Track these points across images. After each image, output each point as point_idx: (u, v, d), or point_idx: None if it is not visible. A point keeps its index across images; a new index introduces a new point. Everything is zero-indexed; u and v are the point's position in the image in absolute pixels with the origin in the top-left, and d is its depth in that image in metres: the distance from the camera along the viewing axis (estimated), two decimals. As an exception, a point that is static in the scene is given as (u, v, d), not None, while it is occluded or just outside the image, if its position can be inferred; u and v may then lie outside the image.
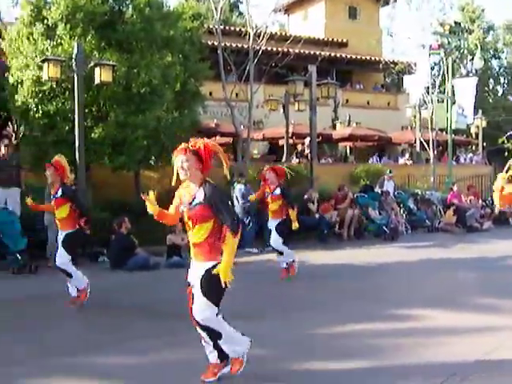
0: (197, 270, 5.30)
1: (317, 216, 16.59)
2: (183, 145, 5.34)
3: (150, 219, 14.96)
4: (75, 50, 13.92)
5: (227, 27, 30.42)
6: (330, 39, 34.59)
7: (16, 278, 11.65)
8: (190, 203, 5.30)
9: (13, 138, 16.43)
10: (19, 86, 14.88)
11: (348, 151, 32.65)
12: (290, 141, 24.47)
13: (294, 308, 8.72)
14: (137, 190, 16.64)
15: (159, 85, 14.82)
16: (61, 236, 8.78)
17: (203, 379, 5.41)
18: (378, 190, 19.29)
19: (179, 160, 5.30)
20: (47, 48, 14.72)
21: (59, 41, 14.75)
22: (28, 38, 15.19)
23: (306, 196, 16.86)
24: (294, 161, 23.84)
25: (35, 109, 14.61)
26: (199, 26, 18.16)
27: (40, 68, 14.39)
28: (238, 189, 15.72)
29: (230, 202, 5.48)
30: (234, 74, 22.81)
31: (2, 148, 13.24)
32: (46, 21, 15.00)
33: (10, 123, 17.17)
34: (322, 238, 16.39)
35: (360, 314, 8.13)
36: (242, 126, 21.99)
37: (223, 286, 5.15)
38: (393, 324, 7.68)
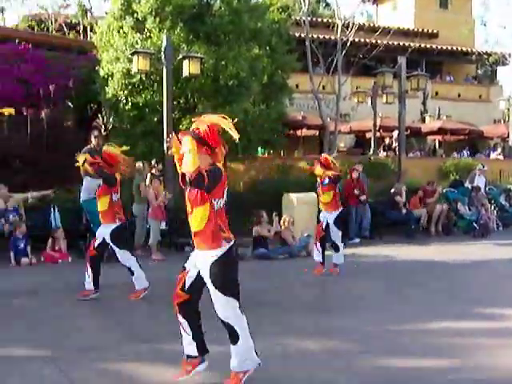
0: (199, 259, 5.06)
1: (404, 211, 16.23)
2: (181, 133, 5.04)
3: (236, 211, 15.08)
4: (164, 43, 14.07)
5: (314, 19, 30.22)
6: (420, 30, 33.80)
7: (103, 266, 11.87)
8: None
9: (102, 130, 16.78)
10: (109, 78, 15.19)
11: (437, 145, 31.89)
12: (378, 134, 24.10)
13: (377, 303, 8.58)
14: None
15: (246, 77, 14.82)
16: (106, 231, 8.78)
17: (175, 379, 5.22)
18: (468, 185, 18.72)
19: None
20: (137, 41, 14.99)
21: (148, 34, 14.99)
22: (118, 32, 15.49)
23: (392, 190, 16.54)
24: (382, 154, 23.49)
25: (125, 101, 14.89)
26: (287, 18, 18.14)
27: (130, 61, 14.64)
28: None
29: (214, 178, 4.87)
30: (321, 65, 22.68)
31: (93, 139, 13.51)
32: (135, 14, 15.26)
33: (99, 115, 17.55)
34: (409, 233, 16.01)
35: (446, 312, 7.89)
36: (328, 119, 21.82)
37: (233, 270, 5.02)
38: (481, 323, 7.38)
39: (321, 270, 10.81)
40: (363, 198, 15.48)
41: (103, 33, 16.01)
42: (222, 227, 4.99)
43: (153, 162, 13.47)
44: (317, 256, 10.90)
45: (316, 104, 21.06)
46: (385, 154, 23.89)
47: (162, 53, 14.05)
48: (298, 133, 27.02)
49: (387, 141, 26.73)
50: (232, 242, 5.03)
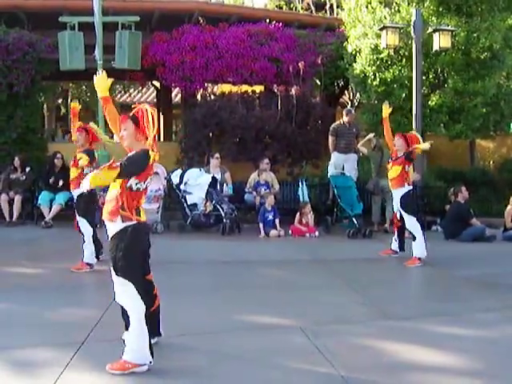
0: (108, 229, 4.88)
1: None
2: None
3: (485, 189, 14.52)
4: (413, 17, 13.78)
5: None
6: None
7: (351, 241, 12.05)
8: None
9: (349, 106, 16.92)
10: (357, 54, 15.21)
11: None
12: None
13: None
14: (471, 160, 16.20)
15: (500, 49, 14.13)
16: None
17: (109, 369, 4.71)
18: None
19: (121, 129, 4.89)
20: (385, 16, 14.82)
21: (397, 8, 14.76)
22: (366, 7, 15.41)
23: None
24: None
25: (372, 76, 14.80)
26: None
27: (378, 36, 14.54)
28: None
29: (136, 162, 4.76)
30: None
31: (345, 115, 13.68)
32: (383, -11, 15.08)
33: (346, 91, 17.71)
34: None
35: None
36: None
37: (135, 251, 4.73)
38: None
39: None
40: None
41: (351, 9, 16.02)
42: (124, 206, 4.73)
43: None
44: None
45: None
46: None
47: (412, 27, 13.76)
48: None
49: None
50: (132, 223, 4.76)
